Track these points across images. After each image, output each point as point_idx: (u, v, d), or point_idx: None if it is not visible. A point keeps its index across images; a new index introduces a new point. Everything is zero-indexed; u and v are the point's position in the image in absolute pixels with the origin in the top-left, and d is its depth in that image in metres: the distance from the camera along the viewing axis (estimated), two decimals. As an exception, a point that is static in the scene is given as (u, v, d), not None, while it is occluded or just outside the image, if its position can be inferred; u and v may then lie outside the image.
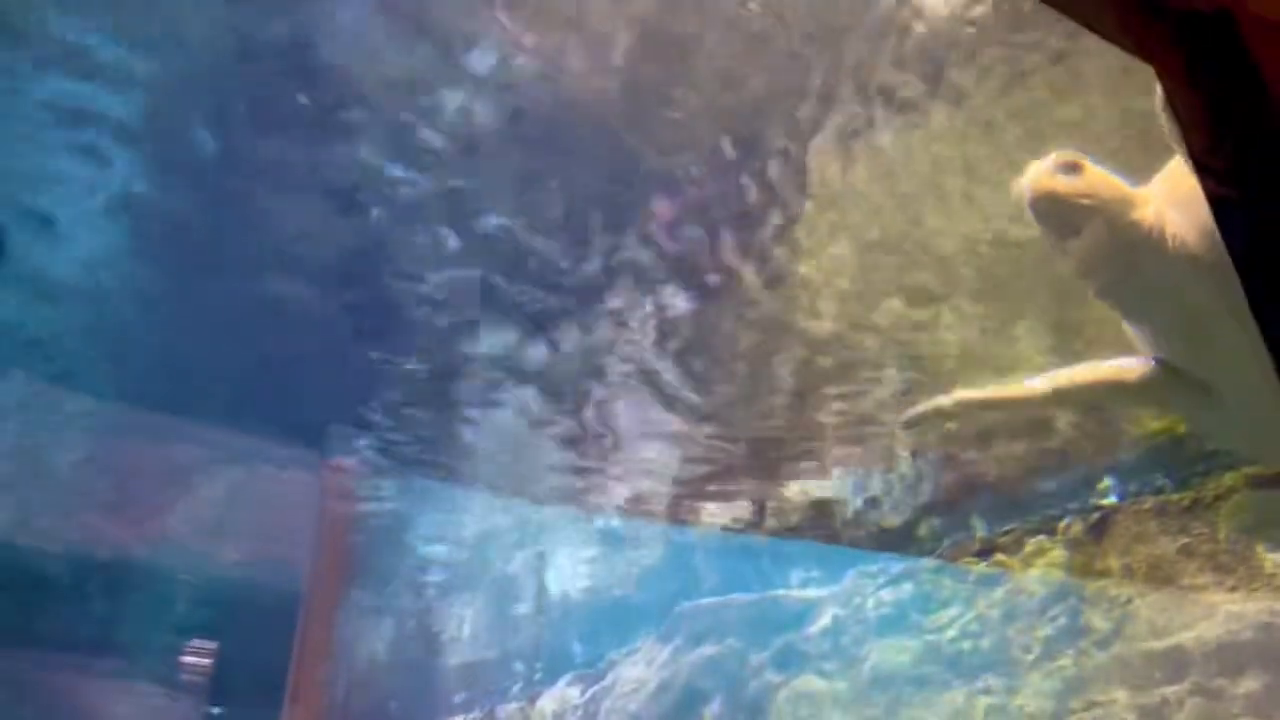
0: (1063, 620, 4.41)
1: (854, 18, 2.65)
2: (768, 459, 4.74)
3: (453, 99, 2.88)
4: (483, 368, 4.15)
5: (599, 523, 6.04)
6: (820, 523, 5.16)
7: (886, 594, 5.11)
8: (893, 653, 5.02)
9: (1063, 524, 4.52)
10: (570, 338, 3.93)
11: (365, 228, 3.38)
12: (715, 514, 5.39)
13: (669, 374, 4.11)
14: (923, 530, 5.01)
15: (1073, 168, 2.47)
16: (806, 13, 2.64)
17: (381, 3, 2.62)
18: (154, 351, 4.17)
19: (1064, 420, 4.17)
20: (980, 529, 4.87)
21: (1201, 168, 1.58)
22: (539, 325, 3.85)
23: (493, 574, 7.05)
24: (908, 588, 5.05)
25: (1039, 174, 2.50)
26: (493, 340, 3.95)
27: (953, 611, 4.81)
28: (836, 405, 4.26)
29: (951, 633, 4.79)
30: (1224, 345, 2.46)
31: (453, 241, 3.42)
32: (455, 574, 7.05)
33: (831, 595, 5.45)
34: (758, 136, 3.00)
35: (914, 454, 4.60)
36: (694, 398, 4.26)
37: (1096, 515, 4.40)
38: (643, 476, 5.08)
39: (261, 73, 2.81)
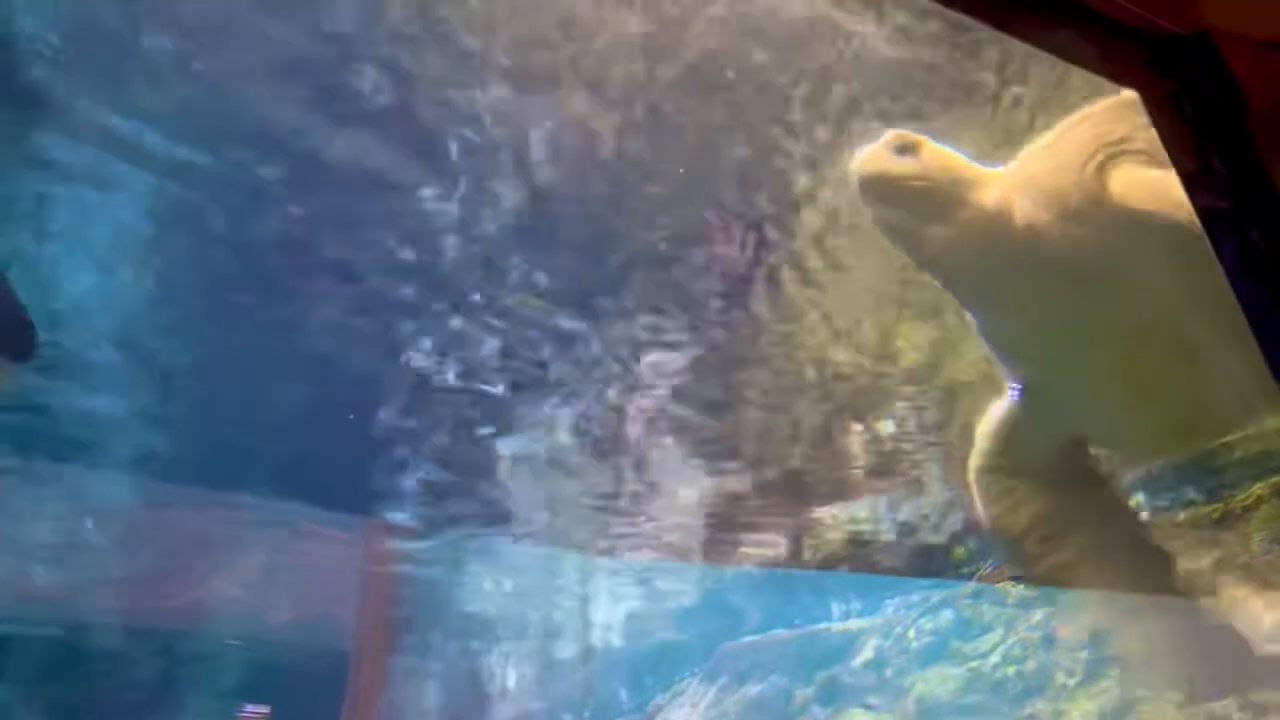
0: (1104, 640, 4.40)
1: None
2: (799, 493, 4.79)
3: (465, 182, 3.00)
4: (515, 426, 4.24)
5: (637, 567, 6.08)
6: (857, 553, 5.18)
7: (927, 622, 5.11)
8: (937, 683, 5.01)
9: (1097, 542, 4.51)
10: (596, 390, 4.01)
11: (396, 300, 3.50)
12: (752, 551, 5.42)
13: (695, 417, 4.19)
14: (959, 554, 5.01)
15: (909, 148, 2.29)
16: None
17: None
18: (194, 424, 4.30)
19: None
20: (1016, 552, 4.86)
21: (1190, 185, 1.66)
22: (564, 382, 3.94)
23: (536, 625, 7.08)
24: (948, 615, 5.05)
25: (870, 155, 2.31)
26: (522, 399, 4.05)
27: (994, 637, 4.81)
28: (863, 435, 4.31)
29: (994, 659, 4.78)
30: (1082, 338, 2.32)
31: (481, 310, 3.53)
32: (499, 627, 7.09)
33: (872, 626, 5.45)
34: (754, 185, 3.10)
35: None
36: (721, 438, 4.33)
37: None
38: (677, 519, 5.12)
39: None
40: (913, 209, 2.26)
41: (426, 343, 3.76)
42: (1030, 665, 4.66)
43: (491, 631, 7.13)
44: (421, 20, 2.62)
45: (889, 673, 5.25)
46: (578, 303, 3.56)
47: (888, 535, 5.05)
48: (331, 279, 3.44)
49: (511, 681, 7.37)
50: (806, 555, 5.30)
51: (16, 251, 3.13)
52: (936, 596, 5.12)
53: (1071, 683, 4.46)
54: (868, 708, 5.30)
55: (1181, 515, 4.25)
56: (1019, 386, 2.53)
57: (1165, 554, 2.87)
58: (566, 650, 7.14)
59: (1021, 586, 4.79)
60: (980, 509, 2.63)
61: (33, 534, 5.50)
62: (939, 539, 4.98)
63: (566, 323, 3.66)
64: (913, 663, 5.14)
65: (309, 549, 5.79)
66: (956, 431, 4.25)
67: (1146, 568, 2.74)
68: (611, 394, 4.08)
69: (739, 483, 4.73)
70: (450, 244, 3.31)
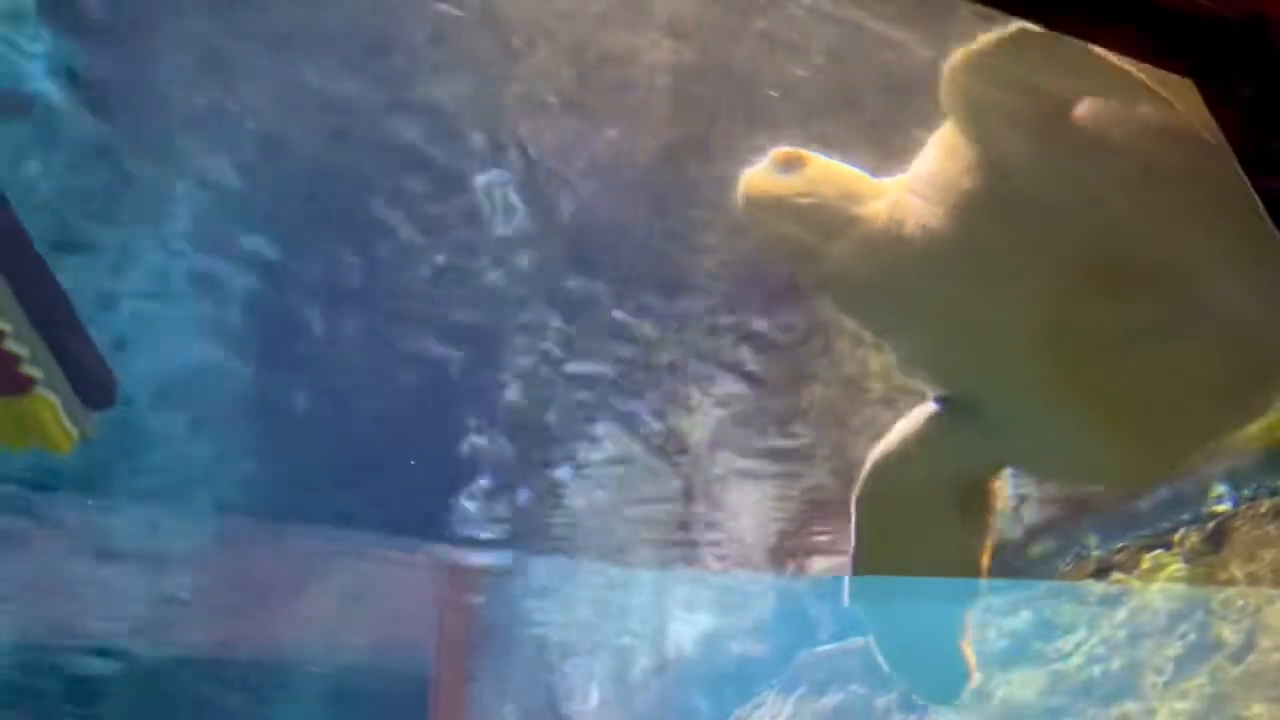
0: (1192, 636, 4.30)
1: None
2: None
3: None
4: (584, 445, 4.28)
5: (710, 580, 6.08)
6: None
7: (1006, 623, 5.03)
8: (1019, 685, 4.93)
9: (1178, 535, 4.42)
10: (663, 404, 4.03)
11: (462, 327, 3.56)
12: (824, 558, 5.39)
13: (764, 427, 4.18)
14: (1035, 553, 4.94)
15: (792, 163, 2.12)
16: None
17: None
18: (268, 459, 4.41)
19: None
20: (1095, 547, 4.78)
21: (1249, 169, 1.63)
22: (630, 397, 3.97)
23: (610, 640, 7.11)
24: (1026, 615, 4.97)
25: (753, 174, 2.15)
26: (590, 418, 4.08)
27: (1076, 637, 4.72)
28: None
29: (1078, 659, 4.69)
30: (1002, 350, 2.10)
31: (545, 333, 3.58)
32: (574, 644, 7.13)
33: (950, 631, 5.36)
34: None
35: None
36: (790, 446, 4.32)
37: (1212, 524, 4.30)
38: (748, 529, 5.12)
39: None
40: (800, 228, 2.10)
41: (492, 367, 3.81)
42: (1116, 664, 4.57)
43: (567, 650, 7.17)
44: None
45: (970, 677, 5.16)
46: (639, 317, 3.58)
47: (961, 537, 4.98)
48: (400, 310, 3.50)
49: (589, 699, 7.40)
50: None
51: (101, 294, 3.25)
52: (1013, 597, 5.04)
53: (1161, 681, 4.36)
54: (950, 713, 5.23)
55: (1266, 505, 4.15)
56: (942, 400, 2.28)
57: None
58: (642, 666, 7.15)
59: (1103, 584, 4.70)
60: (854, 544, 2.44)
61: (115, 573, 5.67)
62: (1013, 537, 4.91)
63: (630, 339, 3.69)
64: (994, 665, 5.06)
65: (384, 575, 5.88)
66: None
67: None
68: (679, 407, 4.09)
69: (809, 490, 4.71)
70: (509, 270, 3.36)
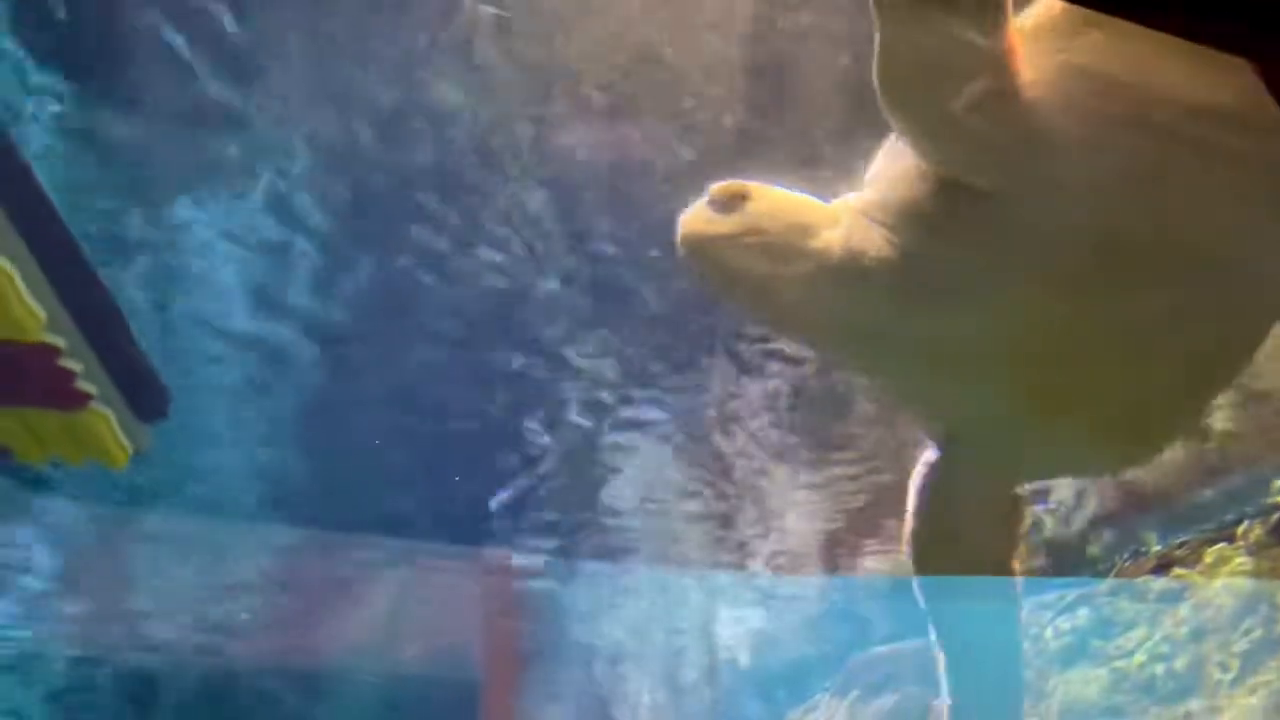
0: (1258, 632, 4.19)
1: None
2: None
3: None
4: (630, 449, 4.27)
5: (760, 582, 6.03)
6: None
7: (1064, 622, 4.94)
8: (1080, 684, 4.83)
9: (1241, 529, 4.31)
10: (710, 406, 4.01)
11: (508, 337, 3.57)
12: (875, 558, 5.34)
13: (811, 426, 4.15)
14: (1093, 550, 4.85)
15: (733, 201, 1.96)
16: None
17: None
18: (318, 470, 4.45)
19: (1221, 421, 4.03)
20: (1154, 543, 4.69)
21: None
22: (677, 399, 3.95)
23: (661, 644, 7.09)
24: (1085, 613, 4.87)
25: (689, 215, 1.98)
26: (635, 423, 4.07)
27: (1137, 634, 4.62)
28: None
29: (1140, 657, 4.59)
30: (988, 362, 2.00)
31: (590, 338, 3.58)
32: (624, 648, 7.12)
33: (1007, 630, 5.28)
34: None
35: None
36: (837, 445, 4.28)
37: (1277, 515, 4.20)
38: (798, 531, 5.08)
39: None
40: (745, 269, 1.94)
41: (541, 376, 3.81)
42: (1179, 662, 4.46)
43: (618, 655, 7.16)
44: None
45: (1029, 675, 5.08)
46: (682, 325, 3.56)
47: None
48: (445, 323, 3.52)
49: (640, 704, 7.38)
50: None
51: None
52: (1071, 595, 4.95)
53: (1227, 678, 4.26)
54: (1009, 713, 5.14)
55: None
56: (940, 443, 2.21)
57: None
58: (694, 670, 7.13)
59: (1164, 580, 4.61)
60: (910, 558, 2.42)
61: (173, 586, 5.75)
62: (1069, 535, 4.82)
63: (674, 342, 3.67)
64: (1053, 664, 4.97)
65: (433, 582, 5.91)
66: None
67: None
68: (726, 410, 4.07)
69: (858, 490, 4.66)
70: (559, 280, 3.36)
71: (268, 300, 3.40)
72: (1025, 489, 2.38)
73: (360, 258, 3.27)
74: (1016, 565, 2.40)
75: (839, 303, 1.94)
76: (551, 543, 5.14)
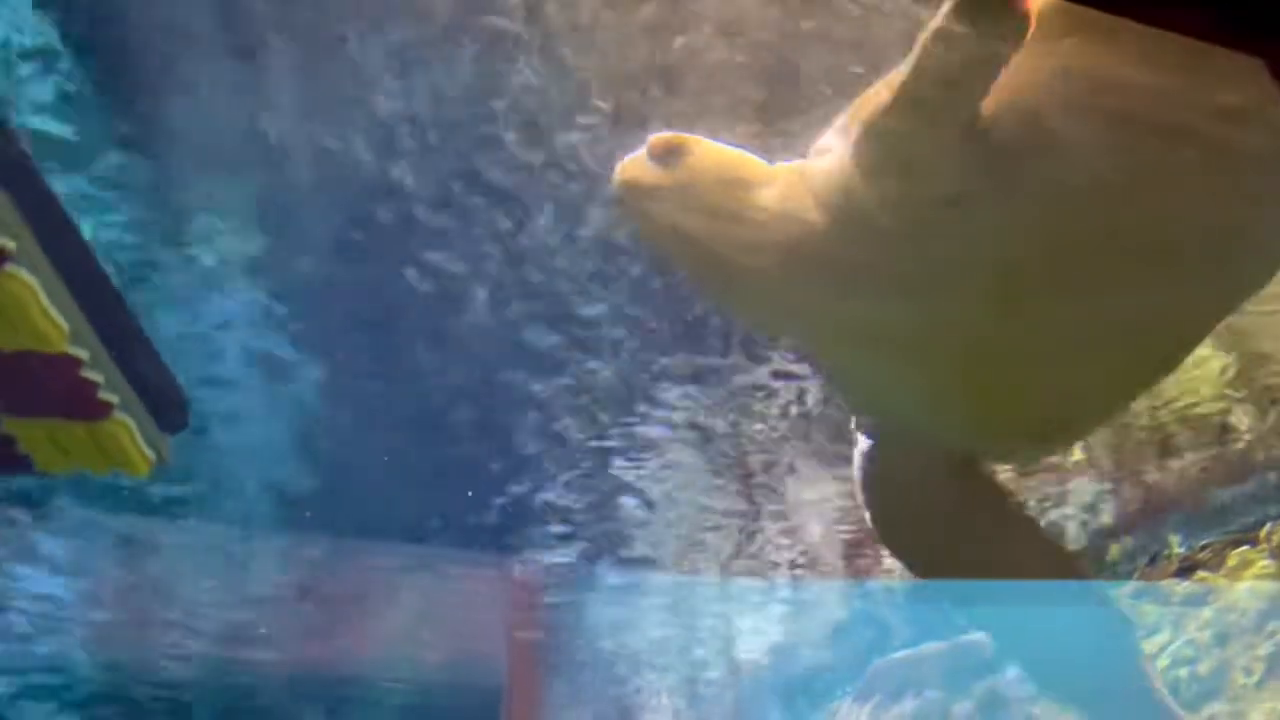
0: (1283, 634, 4.16)
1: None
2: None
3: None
4: (649, 456, 4.28)
5: (780, 587, 6.03)
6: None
7: (1086, 626, 4.92)
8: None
9: (1265, 531, 4.28)
10: (730, 410, 4.02)
11: (528, 344, 3.59)
12: (896, 564, 5.32)
13: (830, 429, 4.15)
14: (1114, 553, 4.82)
15: (671, 151, 1.91)
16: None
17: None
18: (340, 478, 4.48)
19: (1244, 422, 4.00)
20: (1176, 546, 4.66)
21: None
22: (696, 404, 3.96)
23: (682, 652, 7.09)
24: (1107, 618, 4.84)
25: (627, 164, 1.93)
26: (655, 427, 4.09)
27: (1161, 638, 4.58)
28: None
29: (1164, 661, 4.56)
30: (898, 352, 1.95)
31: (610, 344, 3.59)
32: (646, 656, 7.12)
33: (1028, 635, 5.25)
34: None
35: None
36: (848, 450, 4.27)
37: (1301, 518, 4.17)
38: (817, 535, 5.08)
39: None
40: (677, 222, 1.89)
41: (562, 381, 3.83)
42: (1204, 666, 4.43)
43: (639, 662, 7.17)
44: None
45: (1051, 681, 5.05)
46: (706, 325, 3.57)
47: (1036, 538, 4.88)
48: (473, 326, 3.55)
49: (661, 710, 7.38)
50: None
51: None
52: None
53: (1251, 682, 4.22)
54: (1031, 718, 5.12)
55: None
56: (870, 430, 2.15)
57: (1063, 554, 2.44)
58: (715, 675, 7.12)
59: (1187, 584, 4.57)
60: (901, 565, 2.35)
61: (193, 598, 5.81)
62: (1090, 538, 4.80)
63: (699, 349, 3.68)
64: (1075, 669, 4.93)
65: (455, 589, 5.94)
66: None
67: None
68: (748, 415, 4.07)
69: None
70: (574, 282, 3.38)
71: (281, 308, 3.43)
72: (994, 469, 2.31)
73: (373, 266, 3.30)
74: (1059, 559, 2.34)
75: (763, 264, 1.88)
76: (573, 550, 5.15)
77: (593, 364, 3.73)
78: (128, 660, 6.59)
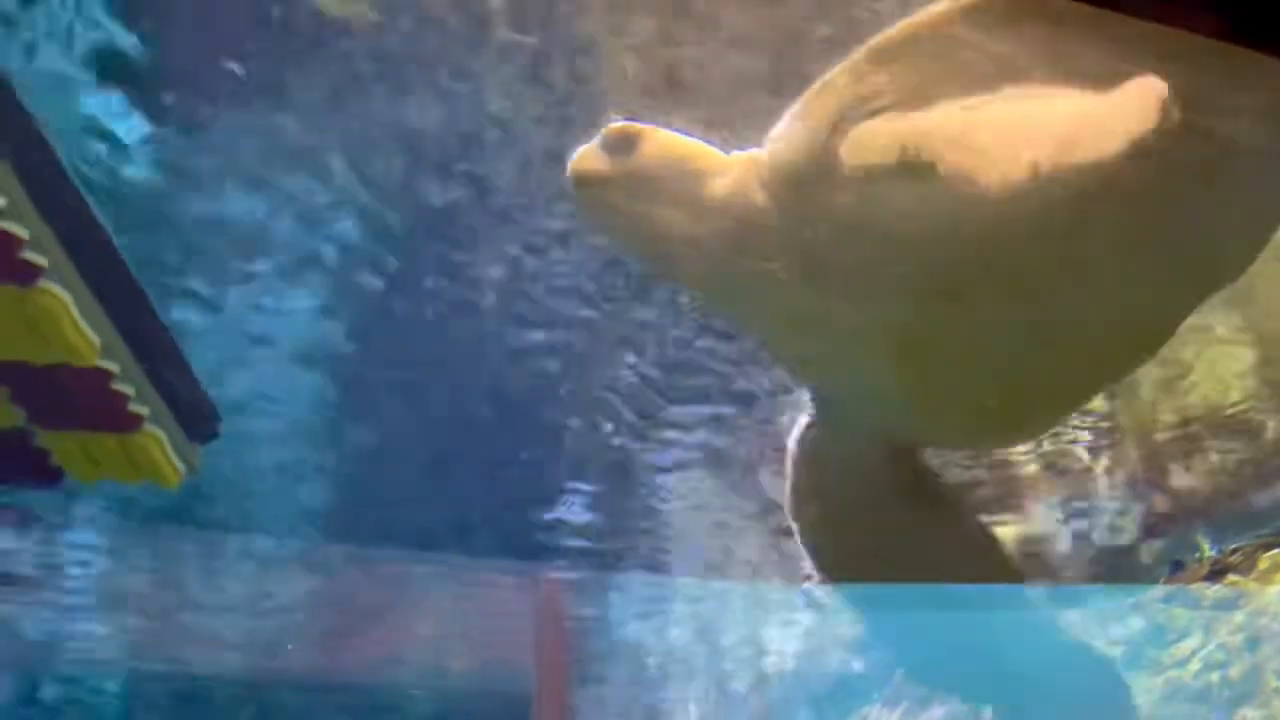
0: (1317, 638, 4.11)
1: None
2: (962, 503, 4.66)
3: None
4: (677, 460, 4.28)
5: (808, 593, 6.02)
6: (1029, 564, 5.00)
7: (1116, 631, 4.87)
8: (1135, 695, 4.75)
9: (1296, 534, 4.24)
10: (758, 413, 4.02)
11: (554, 347, 3.61)
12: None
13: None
14: (1144, 557, 4.77)
15: (624, 143, 1.92)
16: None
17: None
18: (364, 484, 4.52)
19: (1274, 423, 3.96)
20: (1207, 549, 4.61)
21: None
22: (720, 410, 3.96)
23: (710, 658, 7.07)
24: (1137, 622, 4.79)
25: (580, 154, 1.95)
26: (683, 433, 4.09)
27: (1191, 643, 4.54)
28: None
29: (1195, 666, 4.51)
30: (864, 330, 1.94)
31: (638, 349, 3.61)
32: (674, 663, 7.12)
33: (1057, 640, 5.21)
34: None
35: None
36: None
37: (1333, 520, 4.12)
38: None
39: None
40: (630, 211, 1.92)
41: (586, 385, 3.85)
42: (1235, 670, 4.38)
43: (666, 668, 7.16)
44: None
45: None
46: (730, 333, 3.58)
47: (1061, 542, 4.85)
48: (493, 331, 3.57)
49: (689, 717, 7.37)
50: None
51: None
52: (1124, 603, 4.87)
53: (1285, 686, 4.18)
54: (1062, 725, 5.07)
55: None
56: (814, 402, 2.17)
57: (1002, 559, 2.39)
58: (743, 682, 7.10)
59: (1218, 587, 4.53)
60: (804, 549, 2.31)
61: (223, 600, 5.86)
62: (1118, 542, 4.76)
63: (722, 356, 3.69)
64: (1105, 674, 4.89)
65: (481, 596, 5.96)
66: (1127, 421, 4.08)
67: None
68: (774, 419, 4.07)
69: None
70: (600, 286, 3.40)
71: (315, 312, 3.47)
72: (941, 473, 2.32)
73: (405, 271, 3.33)
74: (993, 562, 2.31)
75: (717, 252, 1.90)
76: (600, 557, 5.16)
77: (621, 373, 3.75)
78: (156, 669, 6.66)
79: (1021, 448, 4.17)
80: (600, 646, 6.72)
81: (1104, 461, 4.30)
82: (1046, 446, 4.16)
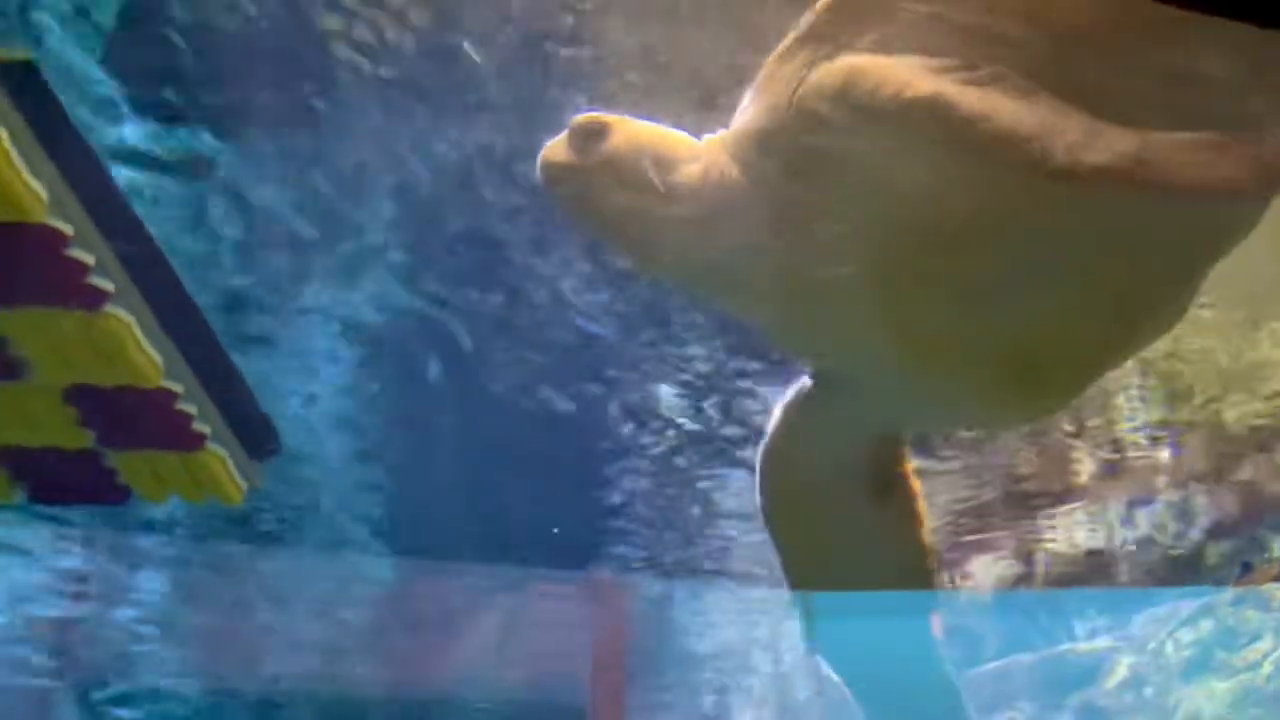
0: (1393, 638, 3.99)
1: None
2: (1022, 506, 4.60)
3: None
4: (732, 468, 4.27)
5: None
6: (1094, 567, 4.92)
7: (1185, 634, 4.77)
8: (1205, 699, 4.65)
9: (1370, 532, 4.12)
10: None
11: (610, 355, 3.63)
12: (980, 573, 5.24)
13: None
14: (1211, 558, 4.67)
15: (593, 134, 1.91)
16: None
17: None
18: (415, 504, 4.56)
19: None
20: (1276, 549, 4.50)
21: None
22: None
23: (767, 666, 7.04)
24: (1207, 625, 4.69)
25: (548, 149, 1.94)
26: (735, 440, 4.08)
27: (1263, 645, 4.44)
28: (1085, 438, 4.11)
29: (1267, 668, 4.41)
30: (833, 309, 1.90)
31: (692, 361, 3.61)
32: (731, 671, 7.09)
33: (1123, 643, 5.13)
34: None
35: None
36: (934, 451, 4.22)
37: None
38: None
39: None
40: (603, 202, 1.90)
41: (643, 393, 3.86)
42: (1311, 673, 4.28)
43: (724, 676, 7.13)
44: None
45: (1149, 691, 4.91)
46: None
47: (1127, 544, 4.77)
48: (552, 340, 3.59)
49: (749, 723, 7.34)
50: (1039, 573, 5.07)
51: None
52: (1191, 606, 4.78)
53: (1362, 688, 4.06)
54: (1130, 730, 4.99)
55: None
56: (811, 374, 2.13)
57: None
58: (802, 688, 7.05)
59: (1289, 587, 4.42)
60: (778, 554, 2.32)
61: (287, 615, 5.93)
62: (1186, 543, 4.66)
63: (775, 359, 3.68)
64: (1174, 679, 4.80)
65: (540, 607, 5.98)
66: (1189, 420, 4.00)
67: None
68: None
69: (963, 501, 4.58)
70: (650, 300, 3.41)
71: (374, 324, 3.51)
72: (915, 473, 2.25)
73: (457, 282, 3.36)
74: (927, 556, 2.29)
75: (695, 236, 1.89)
76: (656, 563, 5.16)
77: (679, 377, 3.75)
78: (220, 684, 6.77)
79: (1083, 446, 4.11)
80: (658, 655, 6.71)
81: (1169, 461, 4.22)
82: (1109, 445, 4.10)
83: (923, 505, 2.30)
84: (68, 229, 2.07)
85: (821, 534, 2.29)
